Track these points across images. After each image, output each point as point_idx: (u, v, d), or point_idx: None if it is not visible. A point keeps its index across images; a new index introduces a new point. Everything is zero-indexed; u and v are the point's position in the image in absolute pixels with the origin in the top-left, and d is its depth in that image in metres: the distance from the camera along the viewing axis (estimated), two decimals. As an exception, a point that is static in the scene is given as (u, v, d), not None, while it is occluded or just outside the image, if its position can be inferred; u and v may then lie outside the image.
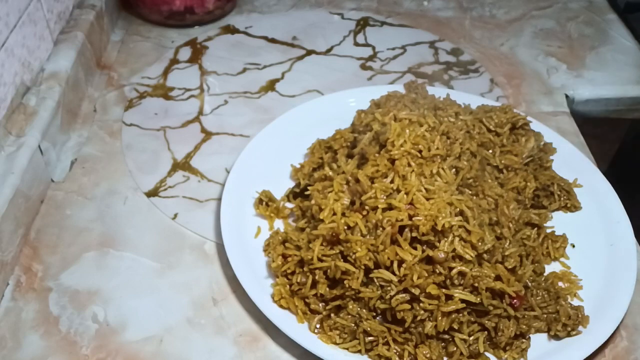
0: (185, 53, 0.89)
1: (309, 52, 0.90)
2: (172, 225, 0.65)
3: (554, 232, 0.63)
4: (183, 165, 0.72)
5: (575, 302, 0.57)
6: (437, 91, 0.75)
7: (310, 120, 0.74)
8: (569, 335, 0.55)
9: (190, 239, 0.64)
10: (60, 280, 0.59)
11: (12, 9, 0.66)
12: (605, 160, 0.96)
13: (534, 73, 0.86)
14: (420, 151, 0.59)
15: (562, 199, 0.66)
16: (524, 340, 0.54)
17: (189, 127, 0.77)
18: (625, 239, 0.62)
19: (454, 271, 0.52)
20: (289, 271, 0.57)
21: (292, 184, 0.68)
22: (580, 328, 0.55)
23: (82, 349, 0.54)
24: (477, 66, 0.87)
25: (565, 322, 0.55)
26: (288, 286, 0.56)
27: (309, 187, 0.63)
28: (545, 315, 0.55)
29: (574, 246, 0.63)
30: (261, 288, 0.57)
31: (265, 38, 0.92)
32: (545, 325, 0.55)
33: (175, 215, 0.66)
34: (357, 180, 0.59)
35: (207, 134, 0.76)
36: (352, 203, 0.58)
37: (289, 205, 0.65)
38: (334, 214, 0.57)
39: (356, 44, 0.91)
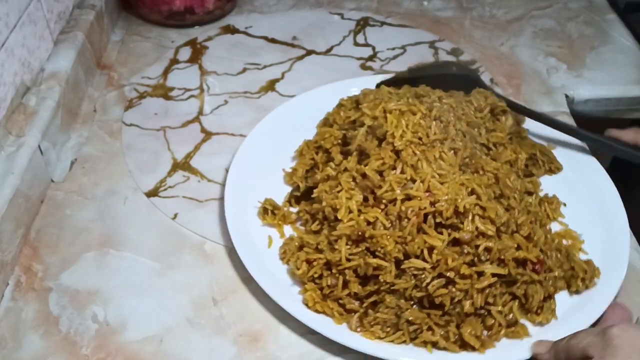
0: (185, 53, 0.89)
1: (309, 52, 0.90)
2: (172, 225, 0.65)
3: (547, 195, 0.66)
4: (183, 165, 0.72)
5: (583, 257, 0.60)
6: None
7: (294, 121, 0.74)
8: (587, 288, 0.58)
9: (190, 239, 0.64)
10: (60, 280, 0.59)
11: (12, 9, 0.66)
12: (605, 160, 0.96)
13: (534, 73, 0.86)
14: (420, 138, 0.60)
15: (545, 164, 0.69)
16: (551, 301, 0.57)
17: (189, 127, 0.77)
18: (609, 192, 0.66)
19: (481, 248, 0.54)
20: (315, 275, 0.56)
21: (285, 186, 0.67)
22: (595, 280, 0.58)
23: (82, 349, 0.54)
24: (477, 66, 0.87)
25: (583, 277, 0.57)
26: (319, 290, 0.56)
27: (314, 190, 0.63)
28: (563, 274, 0.58)
29: (565, 205, 0.66)
30: (290, 297, 0.57)
31: (265, 38, 0.92)
32: (564, 283, 0.58)
33: (175, 215, 0.66)
34: (364, 176, 0.59)
35: (207, 134, 0.76)
36: (365, 199, 0.59)
37: (292, 209, 0.65)
38: (350, 212, 0.57)
39: (356, 44, 0.91)
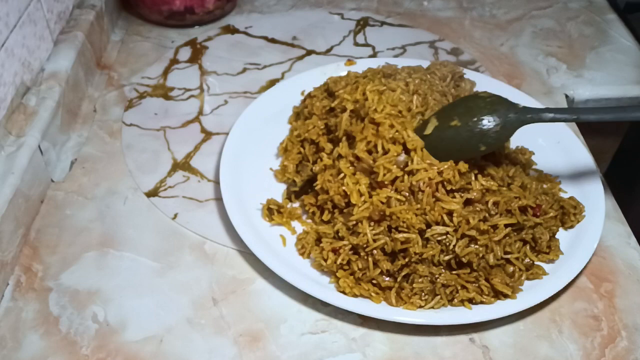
0: (185, 53, 0.89)
1: (309, 52, 0.90)
2: (172, 225, 0.65)
3: (517, 146, 0.69)
4: (183, 165, 0.72)
5: (564, 195, 0.65)
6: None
7: (263, 118, 0.75)
8: (578, 222, 0.63)
9: (190, 239, 0.64)
10: (60, 280, 0.59)
11: (12, 9, 0.66)
12: (605, 160, 0.96)
13: (534, 73, 0.86)
14: (400, 112, 0.63)
15: None
16: (555, 239, 0.61)
17: (189, 127, 0.77)
18: (567, 135, 0.71)
19: (490, 203, 0.58)
20: (344, 262, 0.57)
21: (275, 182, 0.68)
22: (583, 213, 0.63)
23: (82, 349, 0.54)
24: (477, 66, 0.87)
25: (574, 212, 0.63)
26: (350, 275, 0.57)
27: (311, 183, 0.63)
28: (556, 214, 0.61)
29: (534, 153, 0.69)
30: (324, 288, 0.57)
31: (265, 38, 0.92)
32: (559, 221, 0.62)
33: (175, 215, 0.66)
34: (358, 158, 0.61)
35: (207, 134, 0.76)
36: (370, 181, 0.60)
37: (293, 205, 0.65)
38: (361, 195, 0.59)
39: (356, 44, 0.91)
